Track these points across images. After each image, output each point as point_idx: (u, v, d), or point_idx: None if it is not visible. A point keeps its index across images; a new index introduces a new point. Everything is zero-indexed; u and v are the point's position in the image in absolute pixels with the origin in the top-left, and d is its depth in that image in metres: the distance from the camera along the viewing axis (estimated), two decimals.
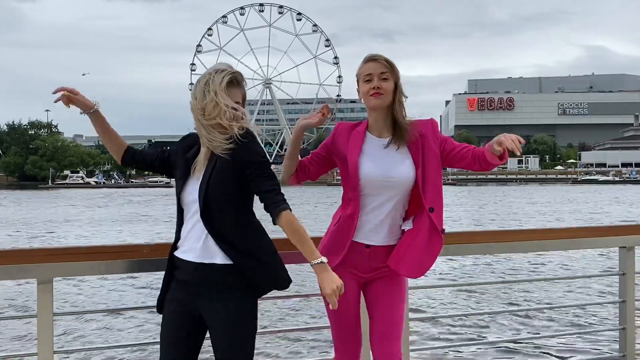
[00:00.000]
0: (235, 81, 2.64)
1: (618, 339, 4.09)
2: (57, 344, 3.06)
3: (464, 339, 7.58)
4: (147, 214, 37.17)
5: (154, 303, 2.70)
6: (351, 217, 2.88)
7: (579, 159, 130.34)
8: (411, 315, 3.56)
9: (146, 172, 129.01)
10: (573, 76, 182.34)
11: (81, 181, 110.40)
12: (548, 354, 7.16)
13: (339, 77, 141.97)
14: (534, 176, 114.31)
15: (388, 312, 2.89)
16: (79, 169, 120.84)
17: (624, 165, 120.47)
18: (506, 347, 7.32)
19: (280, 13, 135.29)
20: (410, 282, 3.25)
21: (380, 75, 2.89)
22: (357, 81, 3.00)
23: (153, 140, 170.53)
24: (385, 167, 2.87)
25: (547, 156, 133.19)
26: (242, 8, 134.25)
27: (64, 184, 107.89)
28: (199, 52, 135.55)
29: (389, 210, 2.88)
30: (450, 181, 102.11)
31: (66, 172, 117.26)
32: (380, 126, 2.94)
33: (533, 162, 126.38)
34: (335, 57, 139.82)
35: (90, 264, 2.96)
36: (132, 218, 34.77)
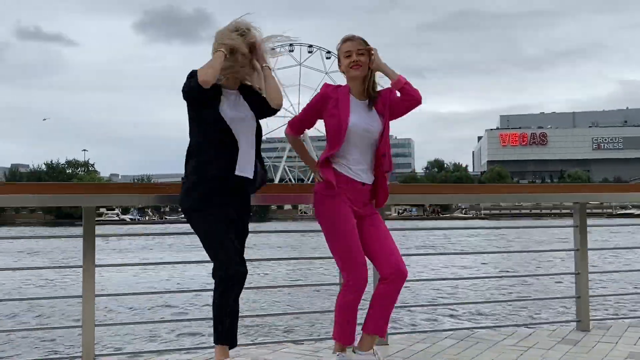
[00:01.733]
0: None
1: (575, 282, 4.73)
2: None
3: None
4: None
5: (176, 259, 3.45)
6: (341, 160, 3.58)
7: None
8: None
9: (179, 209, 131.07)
10: (607, 110, 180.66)
11: (116, 218, 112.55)
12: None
13: None
14: (568, 211, 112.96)
15: (387, 239, 3.58)
16: (114, 207, 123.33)
17: None
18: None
19: (310, 52, 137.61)
20: None
21: (358, 51, 3.59)
22: (338, 57, 3.71)
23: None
24: (366, 121, 3.61)
25: None
26: (272, 49, 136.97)
27: (99, 221, 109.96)
28: None
29: (369, 155, 3.63)
30: (482, 215, 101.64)
31: (102, 209, 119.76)
32: (359, 91, 3.66)
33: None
34: None
35: (124, 197, 3.75)
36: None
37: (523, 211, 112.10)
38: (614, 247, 10.52)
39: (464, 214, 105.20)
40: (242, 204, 3.47)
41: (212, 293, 3.26)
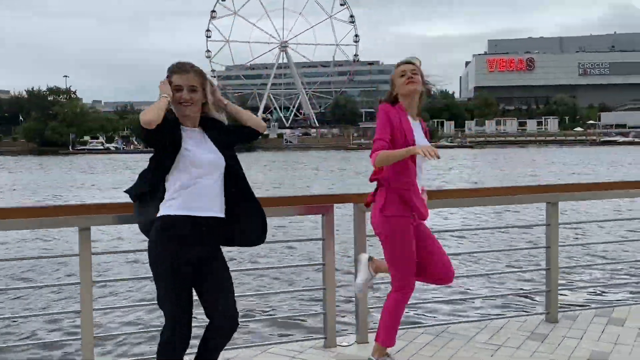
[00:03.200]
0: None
1: (545, 277, 5.02)
2: (94, 279, 4.03)
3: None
4: None
5: None
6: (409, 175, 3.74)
7: (599, 120, 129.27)
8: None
9: None
10: (595, 35, 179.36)
11: (101, 147, 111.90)
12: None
13: (356, 36, 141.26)
14: (553, 138, 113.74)
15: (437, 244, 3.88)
16: (98, 135, 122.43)
17: None
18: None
19: None
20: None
21: (412, 71, 3.75)
22: (393, 82, 3.83)
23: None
24: (421, 140, 3.77)
25: (567, 117, 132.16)
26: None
27: (84, 149, 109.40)
28: (214, 17, 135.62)
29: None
30: (468, 144, 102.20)
31: (86, 137, 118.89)
32: (412, 111, 3.81)
33: (552, 124, 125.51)
34: (351, 16, 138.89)
35: (119, 217, 3.91)
36: None
37: (508, 138, 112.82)
38: (586, 243, 10.91)
39: (450, 142, 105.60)
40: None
41: None
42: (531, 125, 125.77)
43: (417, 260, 3.78)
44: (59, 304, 7.79)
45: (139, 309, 7.09)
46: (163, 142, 3.11)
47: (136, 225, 3.44)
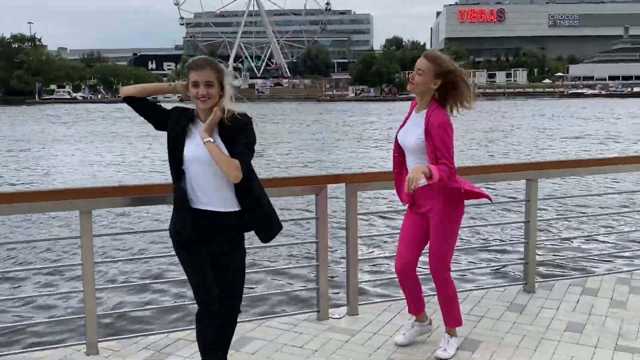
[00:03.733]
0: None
1: (523, 250, 5.28)
2: (96, 259, 4.17)
3: None
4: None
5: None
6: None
7: (567, 72, 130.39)
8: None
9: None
10: None
11: (68, 96, 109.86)
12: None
13: None
14: (521, 90, 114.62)
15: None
16: (65, 84, 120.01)
17: (611, 78, 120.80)
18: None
19: None
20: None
21: (418, 70, 3.84)
22: None
23: (139, 53, 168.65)
24: (403, 136, 4.04)
25: (536, 69, 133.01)
26: None
27: (50, 99, 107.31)
28: None
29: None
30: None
31: (52, 86, 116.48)
32: (422, 104, 3.95)
33: (521, 76, 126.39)
34: None
35: (120, 200, 4.02)
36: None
37: (478, 90, 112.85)
38: (565, 216, 11.28)
39: None
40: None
41: None
42: (500, 77, 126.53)
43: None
44: (62, 285, 7.90)
45: (140, 287, 7.30)
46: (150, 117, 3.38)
47: (136, 207, 3.57)
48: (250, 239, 3.53)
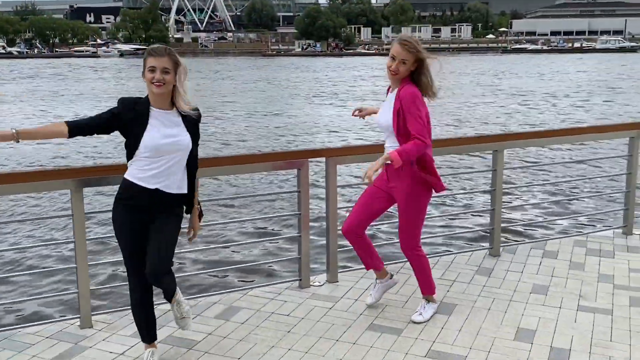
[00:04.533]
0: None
1: (489, 217, 5.60)
2: (88, 235, 4.26)
3: None
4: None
5: None
6: None
7: (511, 28, 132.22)
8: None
9: (71, 41, 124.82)
10: None
11: (2, 50, 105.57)
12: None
13: None
14: (466, 45, 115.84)
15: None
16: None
17: (553, 33, 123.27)
18: None
19: None
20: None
21: (401, 60, 3.93)
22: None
23: (75, 6, 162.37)
24: (380, 117, 4.21)
25: (480, 25, 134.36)
26: None
27: None
28: None
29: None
30: (385, 51, 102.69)
31: None
32: (395, 85, 4.10)
33: (465, 31, 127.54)
34: None
35: (109, 178, 4.10)
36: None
37: (423, 45, 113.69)
38: (534, 184, 11.75)
39: (367, 49, 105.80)
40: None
41: None
42: (445, 32, 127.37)
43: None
44: (55, 262, 7.90)
45: None
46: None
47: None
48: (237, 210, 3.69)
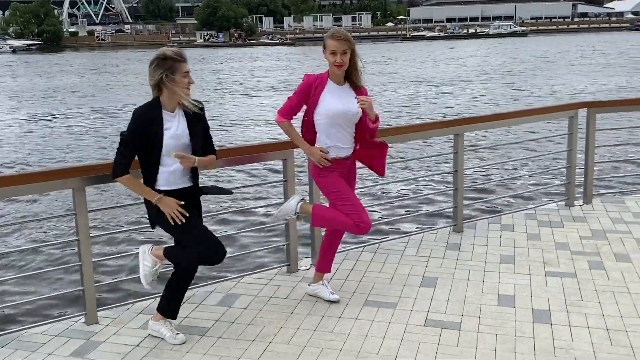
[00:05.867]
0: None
1: (452, 196, 6.01)
2: (91, 234, 4.30)
3: None
4: None
5: None
6: None
7: (408, 15, 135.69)
8: None
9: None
10: None
11: None
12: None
13: None
14: (366, 33, 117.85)
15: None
16: None
17: (448, 20, 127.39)
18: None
19: None
20: None
21: (343, 52, 4.08)
22: (324, 47, 4.15)
23: None
24: (344, 103, 4.22)
25: (379, 13, 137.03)
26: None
27: None
28: None
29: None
30: (288, 41, 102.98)
31: None
32: (338, 79, 4.21)
33: (366, 19, 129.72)
34: None
35: (107, 176, 4.15)
36: None
37: (316, 35, 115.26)
38: (489, 164, 12.46)
39: (270, 39, 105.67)
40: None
41: None
42: (346, 20, 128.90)
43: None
44: (59, 261, 7.74)
45: (134, 256, 7.39)
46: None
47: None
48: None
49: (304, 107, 4.28)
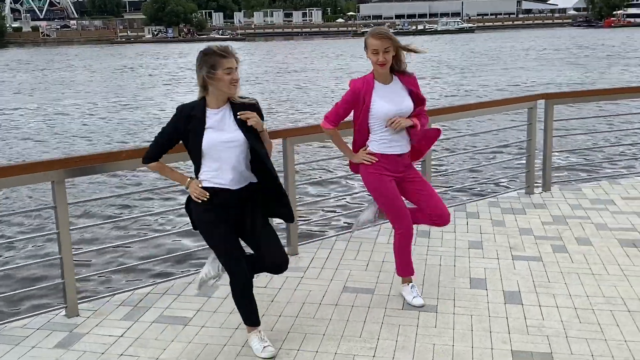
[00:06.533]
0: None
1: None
2: (71, 226, 4.29)
3: None
4: None
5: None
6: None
7: (359, 12, 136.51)
8: None
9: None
10: None
11: None
12: None
13: None
14: (317, 29, 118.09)
15: (426, 189, 4.41)
16: None
17: (397, 17, 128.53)
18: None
19: None
20: None
21: (385, 50, 4.05)
22: (365, 47, 4.10)
23: None
24: (395, 102, 4.18)
25: (329, 9, 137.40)
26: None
27: None
28: None
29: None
30: (239, 36, 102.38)
31: None
32: (384, 77, 4.16)
33: (316, 15, 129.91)
34: None
35: (89, 168, 4.16)
36: None
37: (276, 30, 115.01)
38: (453, 154, 12.92)
39: (221, 34, 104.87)
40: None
41: None
42: (297, 16, 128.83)
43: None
44: (38, 255, 7.59)
45: (115, 249, 7.40)
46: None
47: (108, 173, 3.84)
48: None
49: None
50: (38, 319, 4.21)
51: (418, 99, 4.26)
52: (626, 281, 4.68)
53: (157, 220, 9.31)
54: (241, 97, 3.64)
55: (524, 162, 7.01)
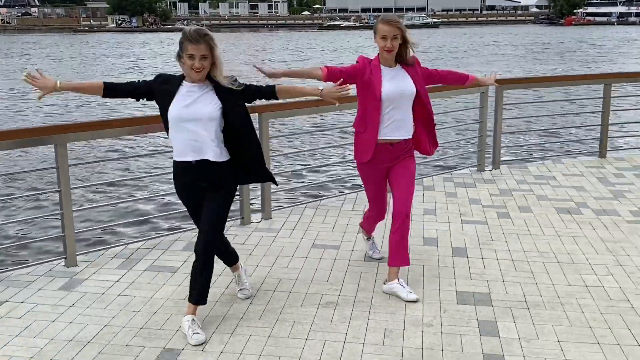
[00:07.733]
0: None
1: None
2: (72, 184, 4.80)
3: None
4: None
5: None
6: None
7: (324, 4, 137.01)
8: None
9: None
10: None
11: None
12: None
13: None
14: (283, 22, 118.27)
15: (403, 181, 4.40)
16: None
17: (363, 10, 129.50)
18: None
19: None
20: None
21: (393, 36, 4.17)
22: (375, 32, 4.20)
23: None
24: (399, 85, 4.28)
25: (295, 1, 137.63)
26: None
27: None
28: None
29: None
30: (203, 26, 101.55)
31: None
32: (389, 62, 4.31)
33: (282, 7, 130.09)
34: None
35: (89, 133, 4.68)
36: None
37: (242, 22, 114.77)
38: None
39: (185, 25, 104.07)
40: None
41: None
42: (262, 8, 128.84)
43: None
44: (42, 210, 8.01)
45: (112, 207, 8.15)
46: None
47: (106, 139, 4.38)
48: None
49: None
50: (41, 268, 4.72)
51: (429, 74, 4.50)
52: (559, 240, 5.38)
53: (146, 184, 10.19)
54: (232, 82, 3.71)
55: (477, 142, 7.68)
